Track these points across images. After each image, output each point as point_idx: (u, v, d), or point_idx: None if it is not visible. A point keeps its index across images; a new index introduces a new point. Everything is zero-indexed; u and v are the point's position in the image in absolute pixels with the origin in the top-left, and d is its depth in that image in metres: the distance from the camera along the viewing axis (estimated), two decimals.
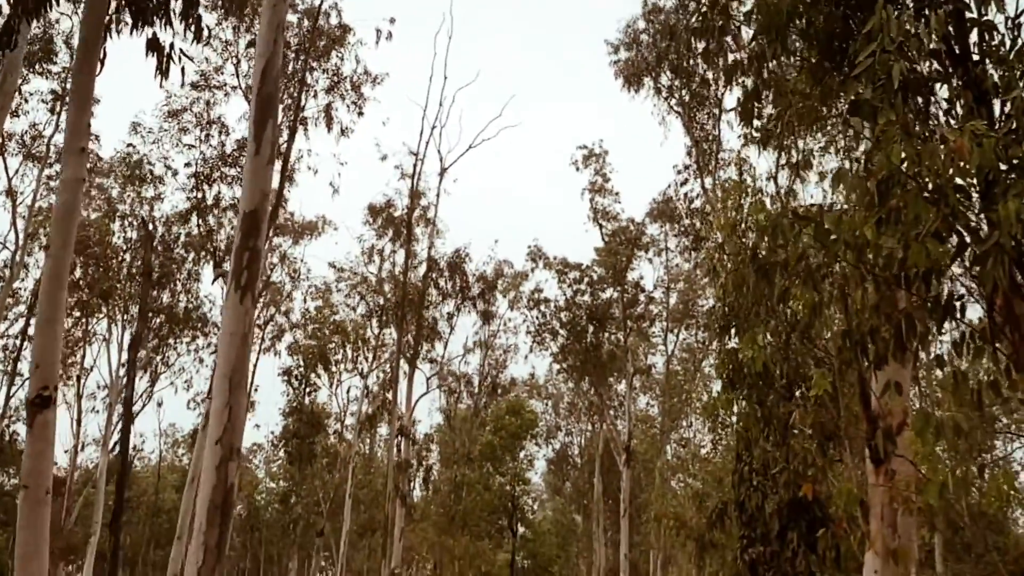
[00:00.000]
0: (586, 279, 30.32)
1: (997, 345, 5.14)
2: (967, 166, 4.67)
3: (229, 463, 6.23)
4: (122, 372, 28.91)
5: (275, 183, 21.85)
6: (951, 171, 4.69)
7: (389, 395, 27.00)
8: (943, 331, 5.30)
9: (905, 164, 4.85)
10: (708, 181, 23.45)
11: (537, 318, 30.73)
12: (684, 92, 23.76)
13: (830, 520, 9.59)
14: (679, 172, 26.21)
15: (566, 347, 31.14)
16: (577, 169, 30.52)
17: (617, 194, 30.54)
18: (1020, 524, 34.12)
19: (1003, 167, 4.81)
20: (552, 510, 51.90)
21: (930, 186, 4.81)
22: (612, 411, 33.64)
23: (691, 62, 22.79)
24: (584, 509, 44.68)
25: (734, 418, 11.65)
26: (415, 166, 26.71)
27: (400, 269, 26.23)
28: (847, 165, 8.29)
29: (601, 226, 30.49)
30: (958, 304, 5.16)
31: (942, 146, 4.76)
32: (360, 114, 23.32)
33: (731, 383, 9.19)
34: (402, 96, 70.64)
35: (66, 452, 35.83)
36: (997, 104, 5.37)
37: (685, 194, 26.37)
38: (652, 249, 31.04)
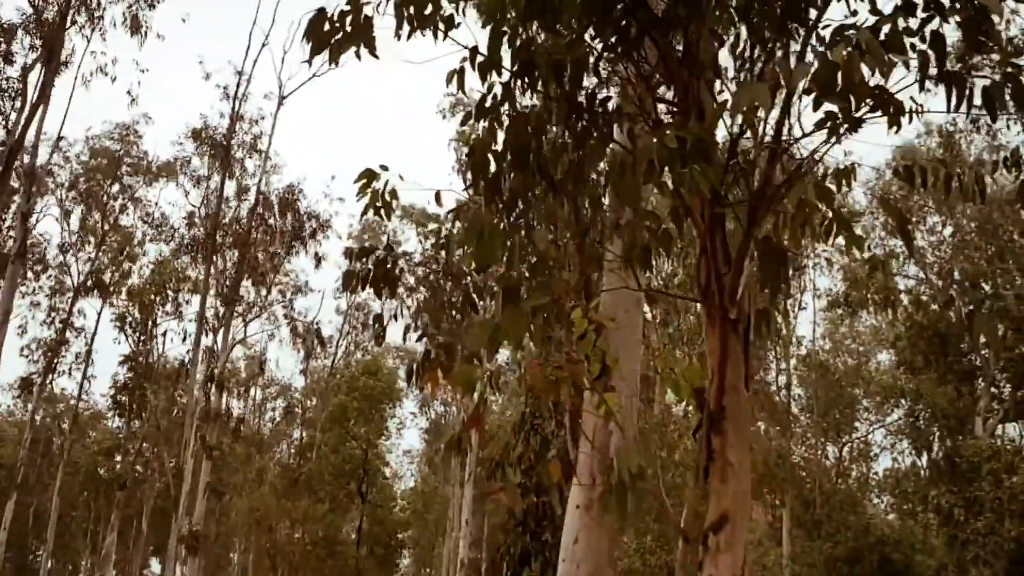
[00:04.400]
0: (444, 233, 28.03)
1: None
2: None
3: None
4: None
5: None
6: None
7: (209, 340, 24.32)
8: None
9: None
10: None
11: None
12: None
13: None
14: None
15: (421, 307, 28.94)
16: (444, 117, 28.21)
17: None
18: (874, 505, 34.24)
19: None
20: (419, 479, 50.18)
21: None
22: None
23: None
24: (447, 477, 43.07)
25: None
26: (238, 85, 23.88)
27: (227, 201, 23.55)
28: None
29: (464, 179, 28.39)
30: None
31: None
32: (152, 6, 20.02)
33: None
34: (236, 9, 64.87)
35: None
36: None
37: None
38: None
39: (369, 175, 3.93)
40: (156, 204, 33.30)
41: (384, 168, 3.94)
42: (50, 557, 38.46)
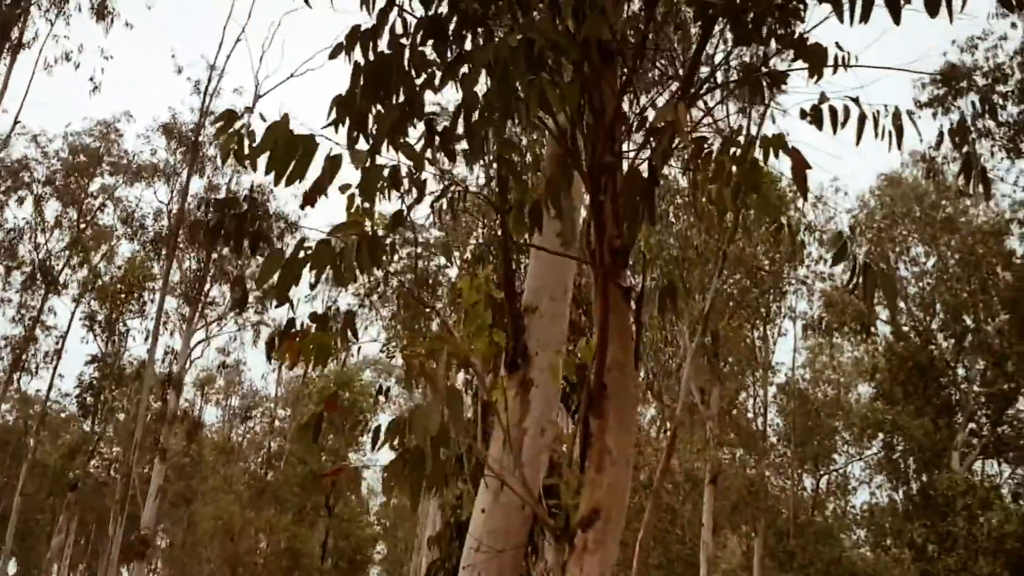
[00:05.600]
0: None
1: None
2: None
3: None
4: None
5: None
6: None
7: (174, 341, 23.70)
8: None
9: None
10: None
11: (367, 281, 27.83)
12: None
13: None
14: None
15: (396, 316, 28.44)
16: None
17: None
18: (851, 538, 33.71)
19: None
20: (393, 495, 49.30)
21: None
22: None
23: None
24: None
25: None
26: (210, 79, 23.37)
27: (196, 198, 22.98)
28: None
29: None
30: None
31: None
32: None
33: None
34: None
35: None
36: None
37: None
38: None
39: (228, 117, 3.46)
40: (137, 204, 32.78)
41: (249, 110, 3.48)
42: (10, 558, 37.55)
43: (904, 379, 26.09)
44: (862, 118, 2.98)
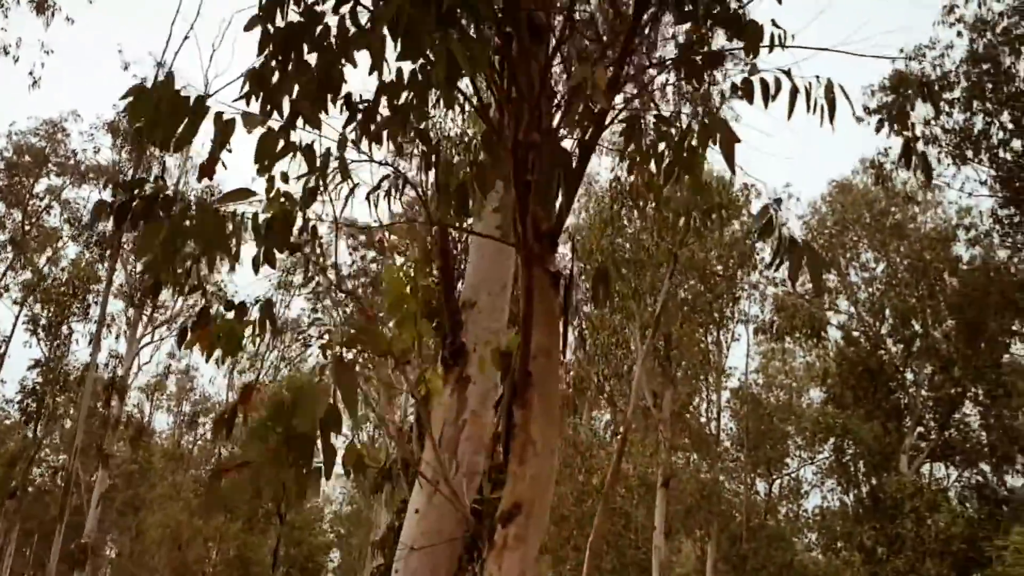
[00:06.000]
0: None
1: None
2: None
3: None
4: None
5: None
6: None
7: (119, 343, 23.09)
8: None
9: None
10: None
11: (319, 283, 27.41)
12: None
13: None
14: None
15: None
16: None
17: None
18: (803, 542, 33.98)
19: None
20: (348, 502, 48.83)
21: None
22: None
23: None
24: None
25: None
26: (156, 77, 22.74)
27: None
28: None
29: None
30: None
31: None
32: None
33: None
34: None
35: None
36: None
37: None
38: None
39: (138, 92, 3.24)
40: (85, 205, 31.98)
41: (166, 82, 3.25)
42: None
43: (854, 383, 26.36)
44: (794, 91, 2.88)
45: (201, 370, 47.52)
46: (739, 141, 2.64)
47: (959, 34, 20.13)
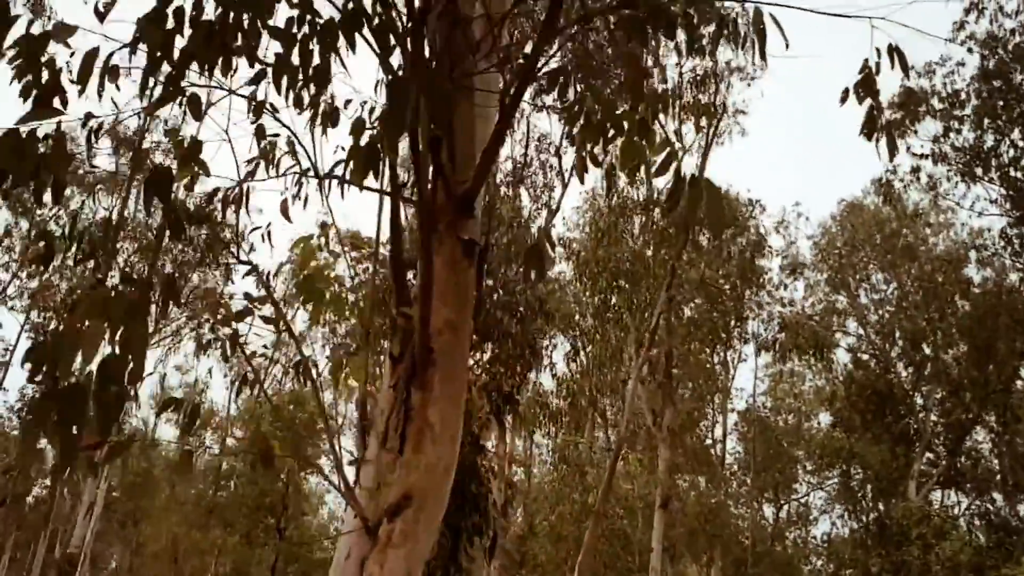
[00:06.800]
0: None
1: None
2: None
3: None
4: None
5: None
6: None
7: None
8: None
9: None
10: None
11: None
12: None
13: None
14: None
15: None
16: None
17: None
18: (811, 569, 33.29)
19: None
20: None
21: None
22: None
23: None
24: None
25: None
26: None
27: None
28: None
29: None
30: None
31: None
32: None
33: None
34: None
35: None
36: None
37: None
38: None
39: (27, 42, 2.94)
40: (93, 214, 31.87)
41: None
42: None
43: (863, 407, 25.80)
44: (720, 24, 2.54)
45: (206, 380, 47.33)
46: (649, 76, 2.32)
47: (970, 51, 19.79)
